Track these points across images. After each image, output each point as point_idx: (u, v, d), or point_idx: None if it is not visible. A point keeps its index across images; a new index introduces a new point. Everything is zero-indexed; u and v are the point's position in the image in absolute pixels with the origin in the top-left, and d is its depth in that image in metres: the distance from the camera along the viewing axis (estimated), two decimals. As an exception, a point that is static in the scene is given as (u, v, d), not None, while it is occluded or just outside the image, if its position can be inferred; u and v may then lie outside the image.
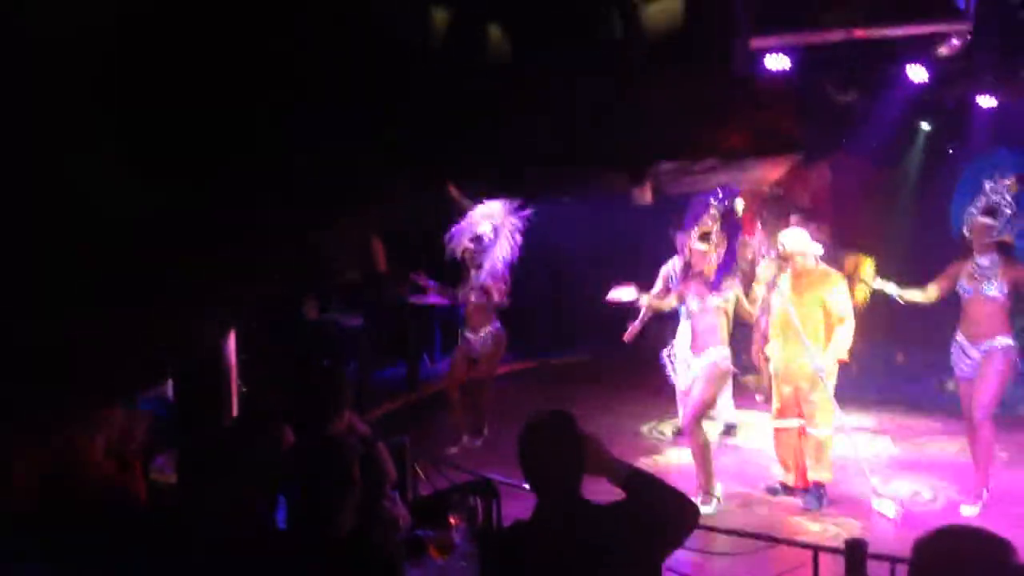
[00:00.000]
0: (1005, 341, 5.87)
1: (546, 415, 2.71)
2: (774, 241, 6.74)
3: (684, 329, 6.91)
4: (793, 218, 7.85)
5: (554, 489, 2.64)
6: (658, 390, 8.04)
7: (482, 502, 3.88)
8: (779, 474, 6.52)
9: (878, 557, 3.99)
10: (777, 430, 6.48)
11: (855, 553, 3.88)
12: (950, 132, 10.13)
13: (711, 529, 4.84)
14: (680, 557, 5.18)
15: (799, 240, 6.24)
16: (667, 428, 8.01)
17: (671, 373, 7.10)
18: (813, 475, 6.27)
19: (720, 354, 6.23)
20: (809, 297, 6.19)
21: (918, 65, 7.98)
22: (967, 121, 9.61)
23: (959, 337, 6.08)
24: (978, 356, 5.95)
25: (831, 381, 6.18)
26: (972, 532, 2.23)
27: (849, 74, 8.31)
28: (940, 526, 2.24)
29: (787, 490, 6.43)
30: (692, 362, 6.37)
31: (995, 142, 9.67)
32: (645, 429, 8.09)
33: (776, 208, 8.83)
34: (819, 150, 9.64)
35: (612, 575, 2.57)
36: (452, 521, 3.48)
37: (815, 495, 6.23)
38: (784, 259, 6.24)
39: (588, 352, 10.73)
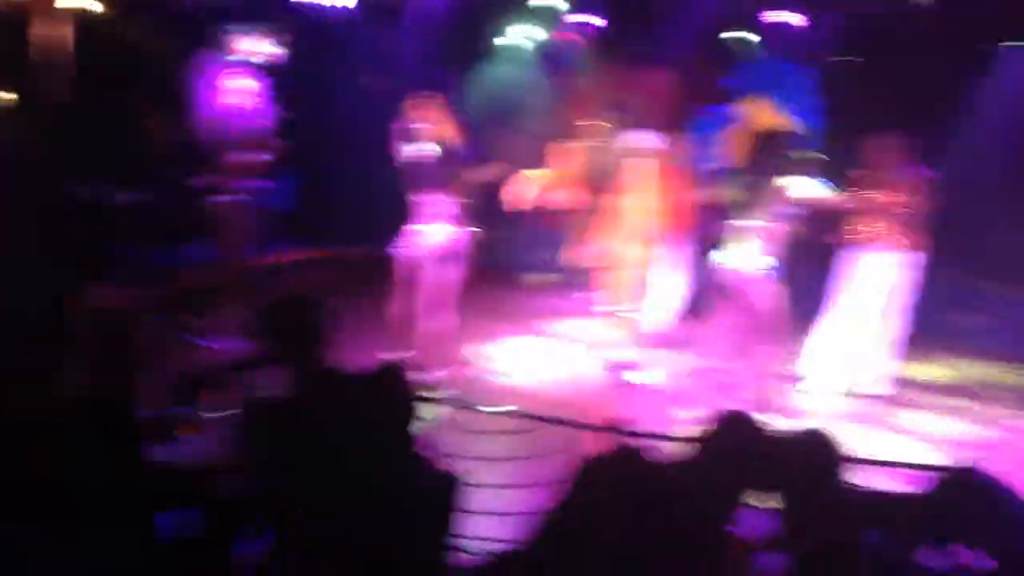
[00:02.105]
0: None
1: (287, 298, 2.73)
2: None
3: None
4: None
5: (301, 361, 2.57)
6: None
7: (245, 379, 3.72)
8: (614, 354, 6.99)
9: (639, 435, 4.17)
10: (611, 314, 7.08)
11: (615, 430, 4.01)
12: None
13: (471, 407, 4.94)
14: (446, 435, 5.27)
15: (641, 138, 6.76)
16: None
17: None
18: (623, 354, 6.88)
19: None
20: (652, 189, 6.74)
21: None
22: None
23: None
24: None
25: (650, 267, 6.88)
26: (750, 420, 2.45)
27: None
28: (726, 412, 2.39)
29: (621, 367, 6.89)
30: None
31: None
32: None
33: (613, 111, 9.18)
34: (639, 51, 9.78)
35: (365, 445, 2.50)
36: (208, 398, 3.32)
37: (628, 370, 6.82)
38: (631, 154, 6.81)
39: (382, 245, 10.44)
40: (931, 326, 8.79)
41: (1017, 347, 8.61)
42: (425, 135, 6.31)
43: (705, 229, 7.54)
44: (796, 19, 9.16)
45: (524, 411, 5.68)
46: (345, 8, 9.67)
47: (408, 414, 2.54)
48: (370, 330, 6.92)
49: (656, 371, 7.02)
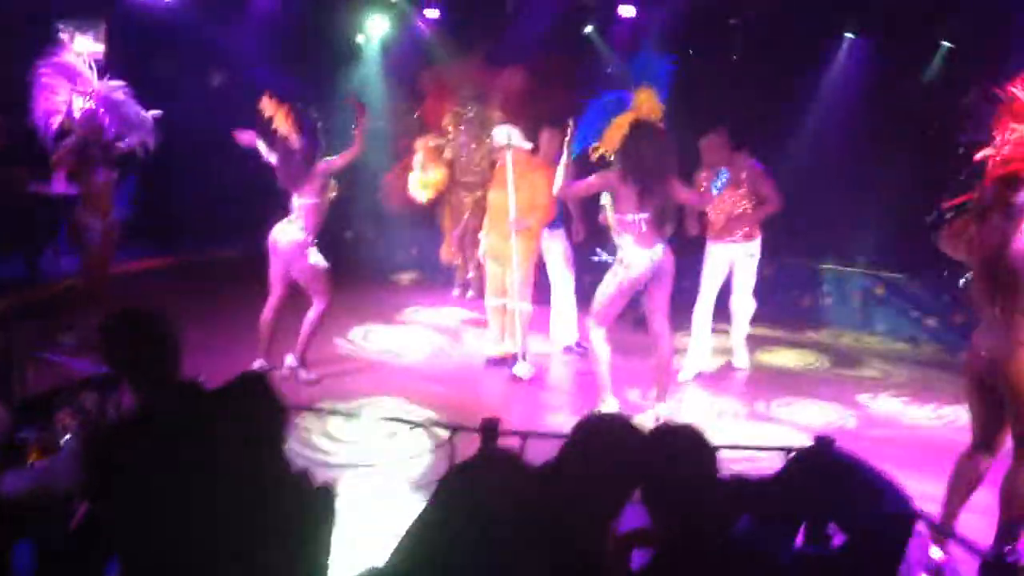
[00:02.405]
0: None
1: (128, 312, 2.62)
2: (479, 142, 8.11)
3: None
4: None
5: (150, 377, 2.45)
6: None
7: (98, 398, 3.54)
8: (493, 349, 7.27)
9: (512, 433, 4.18)
10: (491, 308, 7.26)
11: (489, 430, 4.00)
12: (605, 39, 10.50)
13: (341, 412, 4.87)
14: (320, 441, 5.17)
15: (512, 134, 6.90)
16: None
17: None
18: (507, 346, 7.15)
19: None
20: (523, 184, 6.86)
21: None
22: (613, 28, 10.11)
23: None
24: None
25: (528, 262, 7.02)
26: (620, 419, 2.48)
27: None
28: (594, 413, 2.41)
29: (501, 361, 7.16)
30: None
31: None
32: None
33: (476, 111, 9.37)
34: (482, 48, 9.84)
35: (227, 463, 2.41)
36: (60, 419, 3.15)
37: (518, 363, 7.00)
38: (499, 151, 6.95)
39: (239, 248, 10.21)
40: (785, 310, 9.26)
41: (864, 320, 9.17)
42: (275, 135, 6.25)
43: (586, 222, 7.67)
44: (632, 11, 9.39)
45: (395, 414, 5.62)
46: (182, 3, 9.31)
47: (274, 427, 2.45)
48: (230, 337, 6.76)
49: (534, 367, 7.10)
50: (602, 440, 2.30)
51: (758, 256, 7.25)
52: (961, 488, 4.29)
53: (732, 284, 7.30)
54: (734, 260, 7.21)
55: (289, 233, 6.26)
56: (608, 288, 5.90)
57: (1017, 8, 7.74)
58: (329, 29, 10.01)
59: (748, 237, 7.15)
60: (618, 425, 2.44)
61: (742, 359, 7.54)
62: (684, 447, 2.22)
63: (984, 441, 4.28)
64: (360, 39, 10.53)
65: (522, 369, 6.94)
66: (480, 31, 9.78)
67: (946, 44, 9.04)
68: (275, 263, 6.32)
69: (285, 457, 2.54)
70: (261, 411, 2.46)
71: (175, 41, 9.64)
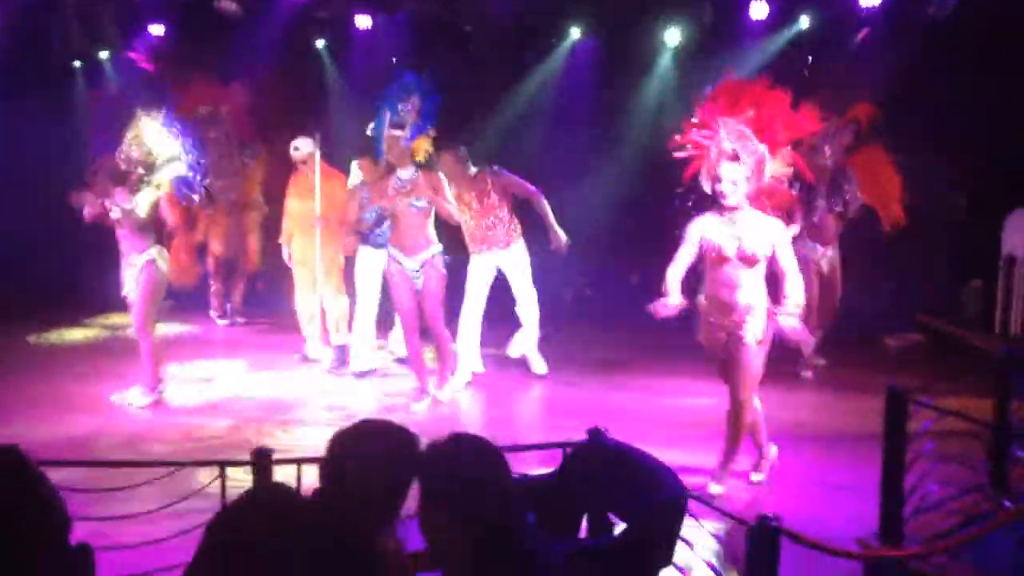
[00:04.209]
0: (436, 250, 6.47)
1: None
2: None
3: None
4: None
5: None
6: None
7: None
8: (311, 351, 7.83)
9: (285, 461, 4.03)
10: (303, 311, 7.75)
11: (261, 460, 3.83)
12: (341, 51, 10.31)
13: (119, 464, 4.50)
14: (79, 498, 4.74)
15: (308, 145, 7.41)
16: None
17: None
18: (334, 340, 7.59)
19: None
20: (324, 190, 7.29)
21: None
22: (349, 40, 9.96)
23: (392, 249, 6.48)
24: (417, 268, 6.41)
25: (337, 259, 7.50)
26: (381, 424, 2.39)
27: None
28: (355, 423, 2.32)
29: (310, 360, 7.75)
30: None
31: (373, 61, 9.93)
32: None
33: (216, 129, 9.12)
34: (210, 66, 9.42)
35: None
36: None
37: (337, 356, 7.55)
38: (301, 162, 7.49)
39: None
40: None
41: (617, 312, 9.51)
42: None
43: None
44: (368, 22, 9.34)
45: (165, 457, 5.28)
46: None
47: (31, 510, 2.16)
48: None
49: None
50: (354, 449, 2.23)
51: (526, 258, 7.36)
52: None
53: (514, 293, 7.43)
54: (503, 268, 7.35)
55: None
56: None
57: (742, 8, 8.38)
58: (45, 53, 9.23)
59: (508, 243, 7.26)
60: (369, 431, 2.36)
61: (539, 365, 7.60)
62: (472, 457, 2.21)
63: None
64: (77, 64, 9.81)
65: (338, 362, 7.52)
66: (208, 45, 9.39)
67: (672, 44, 9.59)
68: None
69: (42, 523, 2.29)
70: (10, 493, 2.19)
71: None
